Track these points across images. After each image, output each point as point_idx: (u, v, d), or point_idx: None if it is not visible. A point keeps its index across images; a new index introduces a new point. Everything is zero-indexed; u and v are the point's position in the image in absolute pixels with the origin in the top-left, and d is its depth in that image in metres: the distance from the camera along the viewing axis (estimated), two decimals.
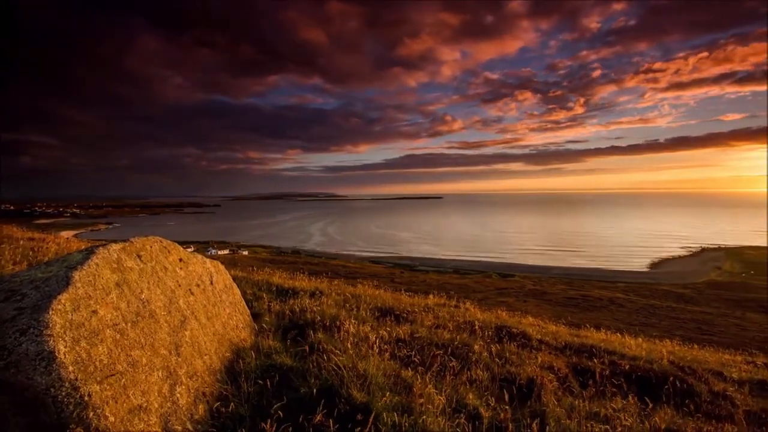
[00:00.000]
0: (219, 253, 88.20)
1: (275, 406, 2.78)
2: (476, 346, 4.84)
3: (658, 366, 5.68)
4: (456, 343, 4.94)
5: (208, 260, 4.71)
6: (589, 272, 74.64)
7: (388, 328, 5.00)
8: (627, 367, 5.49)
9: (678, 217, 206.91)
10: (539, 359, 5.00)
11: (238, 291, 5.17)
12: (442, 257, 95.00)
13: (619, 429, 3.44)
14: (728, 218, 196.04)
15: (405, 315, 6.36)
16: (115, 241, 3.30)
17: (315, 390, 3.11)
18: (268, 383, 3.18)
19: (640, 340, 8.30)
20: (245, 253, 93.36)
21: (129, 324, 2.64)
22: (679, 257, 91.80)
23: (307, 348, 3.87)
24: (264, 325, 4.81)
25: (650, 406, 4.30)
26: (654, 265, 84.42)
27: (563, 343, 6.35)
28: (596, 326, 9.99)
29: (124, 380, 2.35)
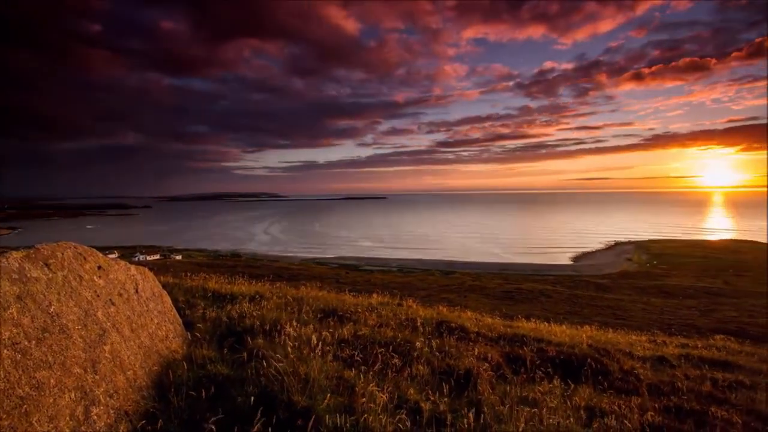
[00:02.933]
0: (148, 258, 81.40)
1: (209, 419, 2.63)
2: (417, 342, 4.98)
3: (579, 350, 6.27)
4: (398, 340, 5.04)
5: (133, 267, 4.34)
6: (524, 267, 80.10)
7: (331, 329, 4.97)
8: (553, 352, 5.98)
9: (606, 215, 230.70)
10: (476, 351, 5.27)
11: (168, 299, 4.82)
12: (387, 257, 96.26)
13: (545, 410, 3.74)
14: (648, 215, 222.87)
15: (348, 315, 6.36)
16: (17, 248, 2.91)
17: (253, 398, 2.99)
18: (202, 395, 3.00)
19: (565, 327, 9.10)
20: (179, 257, 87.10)
21: (33, 342, 2.35)
22: (598, 251, 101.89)
23: (245, 355, 3.72)
24: (198, 334, 4.53)
25: (572, 386, 4.73)
26: (577, 259, 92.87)
27: (498, 334, 6.75)
28: (527, 317, 10.76)
29: (26, 406, 2.08)
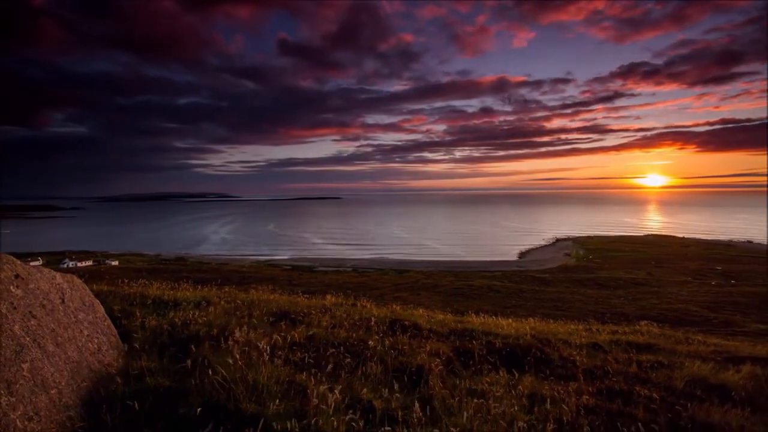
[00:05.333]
0: (79, 265, 74.49)
1: None
2: (371, 342, 5.01)
3: (523, 341, 6.64)
4: (352, 340, 5.04)
5: (59, 275, 3.95)
6: (473, 264, 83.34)
7: (283, 333, 4.85)
8: (500, 344, 6.28)
9: (553, 212, 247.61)
10: (428, 347, 5.40)
11: (101, 308, 4.45)
12: (342, 257, 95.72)
13: (492, 400, 3.93)
14: (590, 213, 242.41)
15: (301, 317, 6.25)
16: None
17: (198, 409, 2.85)
18: (140, 410, 2.80)
19: (511, 320, 9.59)
20: (115, 263, 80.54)
21: None
22: (540, 247, 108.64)
23: (188, 364, 3.52)
24: (136, 345, 4.22)
25: (517, 376, 5.00)
26: (522, 255, 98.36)
27: (449, 330, 6.97)
28: (477, 312, 11.21)
29: None
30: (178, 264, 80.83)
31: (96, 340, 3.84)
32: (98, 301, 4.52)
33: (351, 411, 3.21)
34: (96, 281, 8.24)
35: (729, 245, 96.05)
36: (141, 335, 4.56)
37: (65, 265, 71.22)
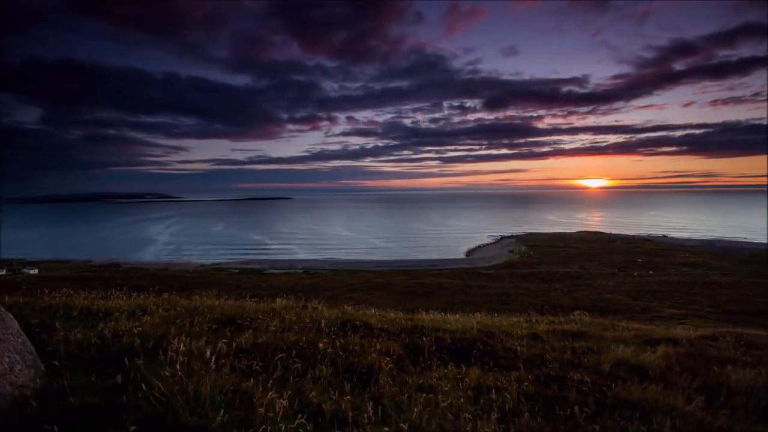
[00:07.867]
0: None
1: None
2: (321, 344, 4.95)
3: (470, 335, 6.92)
4: (301, 343, 4.95)
5: None
6: (425, 263, 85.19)
7: (228, 340, 4.65)
8: (449, 340, 6.50)
9: (499, 212, 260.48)
10: (378, 346, 5.46)
11: (14, 323, 3.97)
12: (293, 258, 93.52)
13: (440, 394, 4.06)
14: (534, 211, 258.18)
15: (248, 323, 6.03)
16: None
17: (131, 426, 2.64)
18: None
19: (458, 316, 9.97)
20: (34, 272, 71.92)
21: None
22: (487, 244, 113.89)
23: (120, 379, 3.26)
24: (57, 362, 3.82)
25: (464, 369, 5.21)
26: (470, 252, 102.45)
27: (400, 328, 7.09)
28: (428, 309, 11.51)
29: None
30: (111, 270, 74.09)
31: (7, 360, 3.42)
32: (11, 315, 4.03)
33: (300, 416, 3.15)
34: (10, 293, 7.37)
35: (647, 240, 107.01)
36: (64, 350, 4.13)
37: None
